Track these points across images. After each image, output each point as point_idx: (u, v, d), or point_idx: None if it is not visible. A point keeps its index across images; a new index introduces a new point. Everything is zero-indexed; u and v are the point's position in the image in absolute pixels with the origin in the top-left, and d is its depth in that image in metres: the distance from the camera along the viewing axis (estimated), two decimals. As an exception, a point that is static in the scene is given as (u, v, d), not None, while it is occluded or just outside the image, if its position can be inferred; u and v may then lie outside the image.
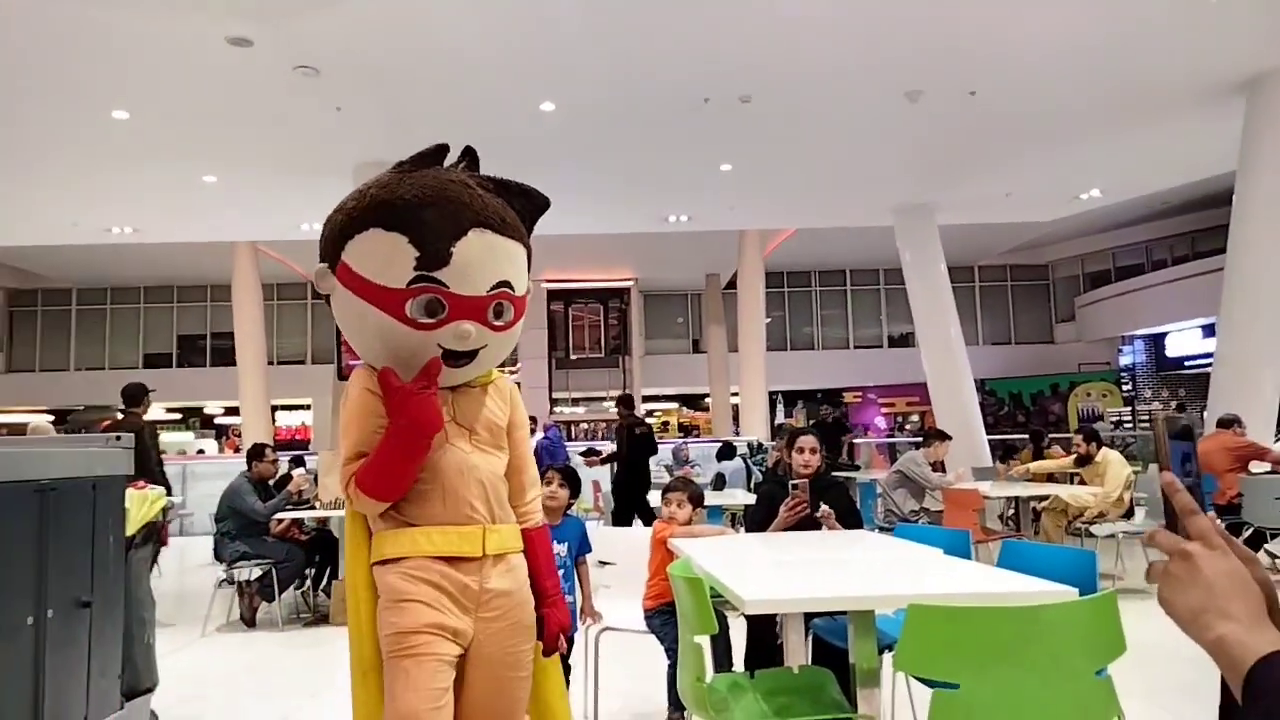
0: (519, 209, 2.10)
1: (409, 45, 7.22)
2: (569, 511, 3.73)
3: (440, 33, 7.05)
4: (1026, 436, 11.63)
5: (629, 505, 8.47)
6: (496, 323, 2.02)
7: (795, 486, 3.65)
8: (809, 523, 3.68)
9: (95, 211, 11.59)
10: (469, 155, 2.20)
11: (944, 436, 7.31)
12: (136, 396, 6.86)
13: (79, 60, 7.18)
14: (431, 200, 1.94)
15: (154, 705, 3.40)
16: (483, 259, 1.97)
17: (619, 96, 8.32)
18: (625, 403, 9.51)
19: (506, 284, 2.02)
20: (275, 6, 6.52)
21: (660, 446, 13.23)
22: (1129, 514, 6.98)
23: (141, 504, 3.04)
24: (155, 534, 3.22)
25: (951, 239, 12.87)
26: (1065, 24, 7.13)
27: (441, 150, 2.08)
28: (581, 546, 3.66)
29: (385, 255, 1.93)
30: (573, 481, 3.73)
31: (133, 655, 2.97)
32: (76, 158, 9.42)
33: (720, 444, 11.06)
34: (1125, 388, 21.26)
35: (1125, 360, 21.56)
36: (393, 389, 1.92)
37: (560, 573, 3.52)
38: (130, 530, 2.95)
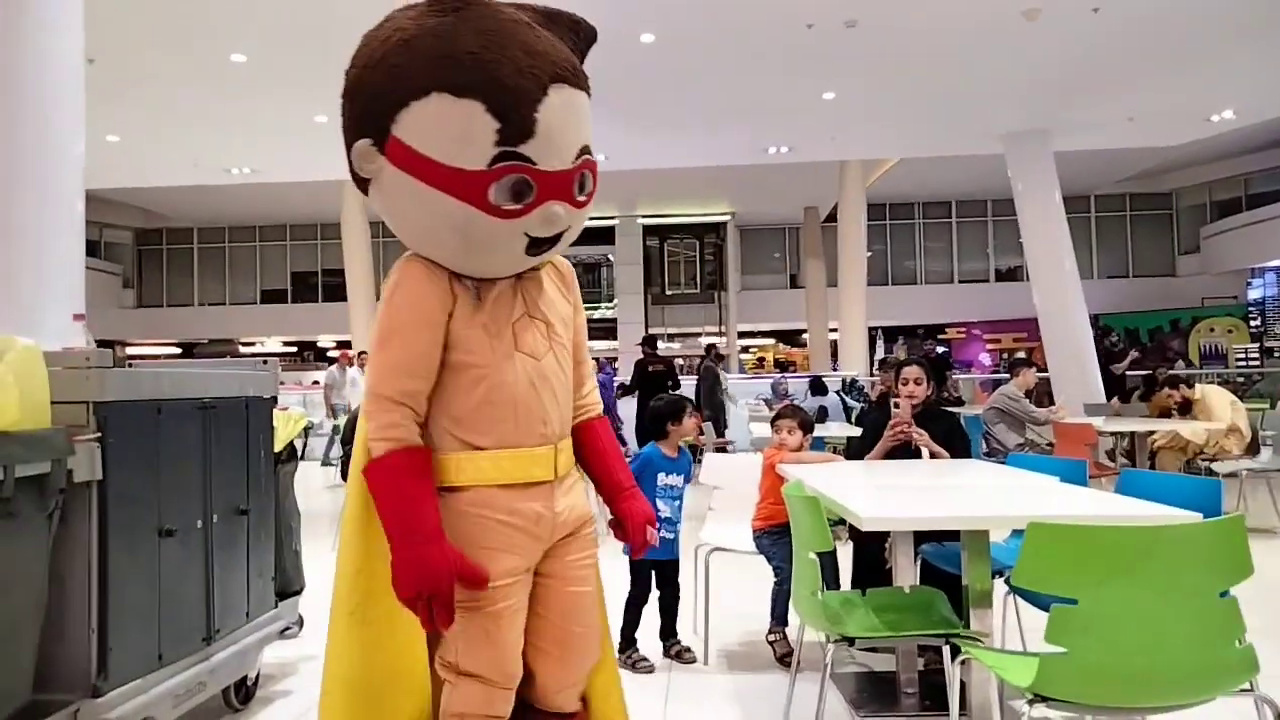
0: (571, 47, 1.71)
1: (512, -21, 7.25)
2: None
3: (542, -35, 7.04)
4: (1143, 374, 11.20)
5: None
6: (580, 198, 1.68)
7: (897, 405, 3.61)
8: (910, 452, 3.65)
9: (215, 153, 12.12)
10: None
11: (1029, 363, 7.25)
12: (655, 340, 9.40)
13: (201, 6, 7.48)
14: (505, 53, 1.54)
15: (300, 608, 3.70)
16: (565, 123, 1.61)
17: (720, 25, 8.17)
18: (648, 342, 10.39)
19: (587, 149, 1.68)
20: (383, -56, 6.62)
21: (757, 381, 13.32)
22: (1254, 450, 6.71)
23: (286, 423, 3.28)
24: (297, 452, 3.47)
25: (1066, 166, 12.26)
26: (1203, -71, 6.65)
27: None
28: (688, 476, 3.77)
29: (459, 130, 1.55)
30: None
31: (283, 560, 3.24)
32: (198, 100, 9.84)
33: (810, 379, 11.07)
34: (1253, 323, 20.09)
35: (1254, 294, 20.33)
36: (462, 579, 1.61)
37: (675, 503, 3.66)
38: (278, 447, 3.18)
